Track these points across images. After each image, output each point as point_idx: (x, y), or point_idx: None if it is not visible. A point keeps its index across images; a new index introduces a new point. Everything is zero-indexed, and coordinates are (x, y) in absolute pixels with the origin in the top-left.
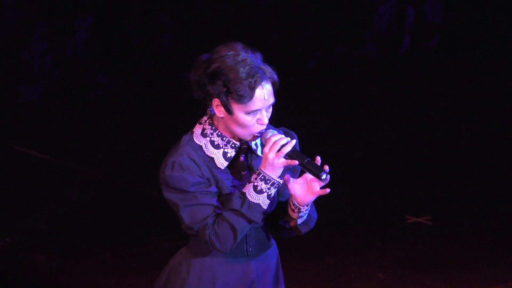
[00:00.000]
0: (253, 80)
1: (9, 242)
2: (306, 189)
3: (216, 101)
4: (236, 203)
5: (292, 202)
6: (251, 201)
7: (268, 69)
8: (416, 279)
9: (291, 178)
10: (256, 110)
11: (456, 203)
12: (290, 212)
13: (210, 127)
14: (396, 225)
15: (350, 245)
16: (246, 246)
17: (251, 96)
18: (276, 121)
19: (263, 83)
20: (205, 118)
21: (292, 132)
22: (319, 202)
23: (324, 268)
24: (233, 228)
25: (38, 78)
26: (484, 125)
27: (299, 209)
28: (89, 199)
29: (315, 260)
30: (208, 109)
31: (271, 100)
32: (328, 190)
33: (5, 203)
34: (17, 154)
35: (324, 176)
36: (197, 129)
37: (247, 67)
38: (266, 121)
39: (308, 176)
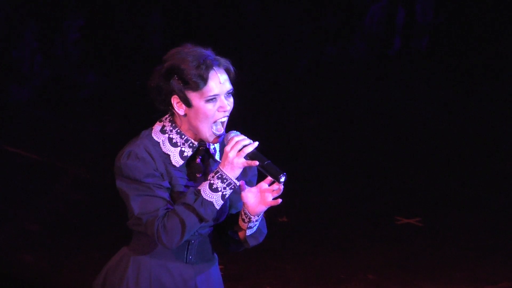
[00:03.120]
0: (204, 65)
1: None
2: (259, 199)
3: (175, 98)
4: (189, 198)
5: (243, 211)
6: (205, 198)
7: (220, 58)
8: (406, 280)
9: (246, 186)
10: (215, 96)
11: (446, 204)
12: (240, 222)
13: (170, 124)
14: (386, 226)
15: (340, 246)
16: (186, 253)
17: (205, 80)
18: (266, 120)
19: (215, 68)
20: (166, 116)
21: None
22: (309, 202)
23: (313, 269)
24: (182, 223)
25: (28, 78)
26: (475, 126)
27: (250, 218)
28: (79, 198)
29: (304, 260)
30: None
31: (228, 85)
32: (279, 200)
33: None
34: (6, 153)
35: (283, 179)
36: (157, 126)
37: (197, 55)
38: (228, 108)
39: (263, 185)
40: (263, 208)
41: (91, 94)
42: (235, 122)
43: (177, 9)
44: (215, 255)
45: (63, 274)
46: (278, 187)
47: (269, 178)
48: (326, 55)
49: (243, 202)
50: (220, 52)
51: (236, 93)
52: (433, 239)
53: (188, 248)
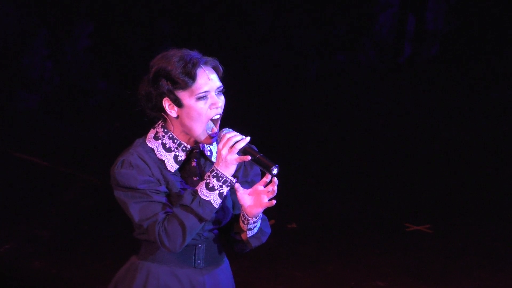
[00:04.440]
0: (190, 63)
1: (9, 248)
2: (255, 201)
3: (166, 101)
4: (187, 199)
5: (242, 213)
6: (202, 198)
7: (206, 57)
8: (416, 287)
9: (241, 188)
10: (205, 93)
11: (457, 211)
12: (240, 223)
13: (162, 129)
14: (396, 233)
15: (350, 253)
16: (195, 258)
17: (193, 77)
18: (276, 127)
19: (202, 65)
20: (159, 122)
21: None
22: (319, 209)
23: (323, 276)
24: (182, 225)
25: (38, 85)
26: (485, 133)
27: (248, 220)
28: (89, 205)
29: (314, 267)
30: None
31: (218, 82)
32: (274, 202)
33: (5, 209)
34: (17, 160)
35: (275, 171)
36: (151, 133)
37: (182, 55)
38: (220, 104)
39: (258, 187)
40: (260, 209)
41: (101, 101)
42: (246, 129)
43: (187, 16)
44: (225, 257)
45: (73, 281)
46: (272, 189)
47: (264, 180)
48: (337, 63)
49: (241, 204)
50: (230, 59)
51: (247, 100)
52: (443, 246)
53: (195, 252)
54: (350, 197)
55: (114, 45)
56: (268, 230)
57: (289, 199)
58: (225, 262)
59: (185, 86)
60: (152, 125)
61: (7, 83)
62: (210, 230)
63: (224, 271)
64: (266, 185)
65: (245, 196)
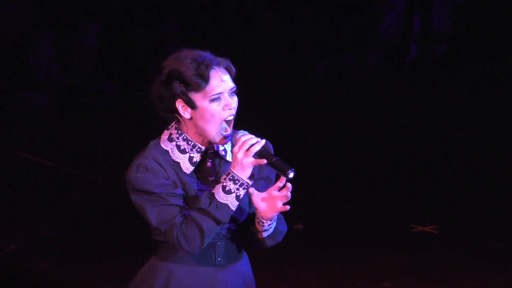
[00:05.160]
0: (203, 65)
1: (15, 248)
2: (269, 205)
3: (179, 102)
4: (204, 202)
5: (257, 215)
6: (219, 201)
7: (219, 58)
8: (422, 287)
9: (256, 192)
10: (218, 95)
11: (462, 212)
12: (256, 224)
13: (176, 131)
14: (401, 234)
15: (356, 254)
16: (215, 256)
17: (206, 79)
18: (281, 128)
19: (215, 67)
20: (172, 123)
21: (265, 140)
22: (325, 210)
23: (329, 276)
24: (200, 229)
25: (44, 85)
26: (491, 134)
27: (263, 223)
28: (95, 206)
29: (320, 268)
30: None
31: (231, 83)
32: (288, 207)
33: (11, 210)
34: (23, 161)
35: (291, 175)
36: (164, 135)
37: (195, 57)
38: (233, 105)
39: (273, 192)
40: (274, 213)
41: (107, 102)
42: (250, 130)
43: (193, 16)
44: (244, 252)
45: (79, 281)
46: (286, 194)
47: (278, 185)
48: (343, 63)
49: (256, 208)
50: (237, 60)
51: (252, 101)
52: (449, 247)
53: (215, 250)
54: (356, 198)
55: (120, 46)
56: (284, 229)
57: (294, 200)
58: (245, 257)
59: (198, 88)
60: (165, 125)
61: (14, 83)
62: (228, 228)
63: (243, 265)
64: (280, 189)
65: (259, 201)
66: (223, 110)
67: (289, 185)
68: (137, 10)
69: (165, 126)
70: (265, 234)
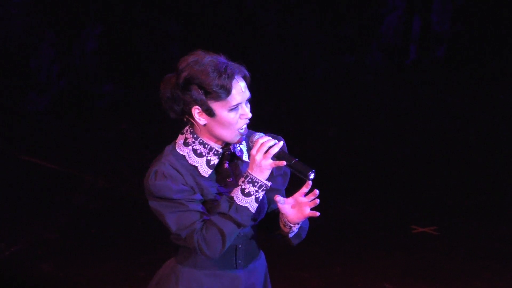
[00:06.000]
0: (225, 75)
1: (16, 250)
2: (296, 210)
3: (196, 108)
4: (223, 206)
5: (283, 219)
6: (239, 204)
7: (236, 64)
8: None
9: (282, 199)
10: (237, 105)
11: (463, 213)
12: (281, 226)
13: (191, 136)
14: (402, 235)
15: (357, 255)
16: (236, 259)
17: (229, 90)
18: (282, 129)
19: (236, 76)
20: (186, 128)
21: (280, 137)
22: (326, 211)
23: (330, 277)
24: (221, 232)
25: (45, 87)
26: (492, 135)
27: (291, 227)
28: (97, 208)
29: (321, 269)
30: (187, 122)
31: (248, 93)
32: (318, 213)
33: (13, 212)
34: (24, 163)
35: (312, 176)
36: (180, 139)
37: (216, 66)
38: (249, 114)
39: (299, 198)
40: (302, 219)
41: (108, 103)
42: (253, 130)
43: (195, 18)
44: (261, 251)
45: (81, 283)
46: (314, 200)
47: (303, 190)
48: (343, 65)
49: (282, 213)
50: (236, 59)
51: (252, 102)
52: (450, 248)
53: (236, 253)
54: (357, 199)
55: (121, 47)
56: (307, 226)
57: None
58: (261, 254)
59: (219, 98)
60: (176, 126)
61: (15, 85)
62: (248, 227)
63: (261, 264)
64: (306, 194)
65: (286, 207)
66: (240, 118)
67: (316, 190)
68: (138, 11)
69: (165, 125)
70: (291, 235)
